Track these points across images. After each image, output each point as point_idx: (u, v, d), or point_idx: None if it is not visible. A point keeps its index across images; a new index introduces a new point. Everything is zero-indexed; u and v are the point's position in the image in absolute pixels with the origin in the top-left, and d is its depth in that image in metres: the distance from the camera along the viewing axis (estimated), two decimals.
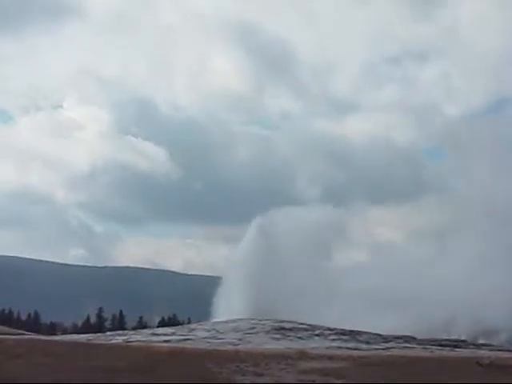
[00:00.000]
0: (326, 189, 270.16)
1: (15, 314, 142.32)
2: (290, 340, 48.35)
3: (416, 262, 78.19)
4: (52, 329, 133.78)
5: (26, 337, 51.32)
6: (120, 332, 63.33)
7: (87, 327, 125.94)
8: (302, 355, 35.08)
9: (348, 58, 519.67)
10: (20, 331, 65.59)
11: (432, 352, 44.69)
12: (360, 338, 50.53)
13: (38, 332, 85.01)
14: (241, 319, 57.42)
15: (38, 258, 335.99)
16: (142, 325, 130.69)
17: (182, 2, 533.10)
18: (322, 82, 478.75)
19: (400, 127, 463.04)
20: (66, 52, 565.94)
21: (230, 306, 68.22)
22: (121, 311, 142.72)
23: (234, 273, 73.45)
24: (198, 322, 68.01)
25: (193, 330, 55.25)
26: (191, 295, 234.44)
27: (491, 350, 48.26)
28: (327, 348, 44.29)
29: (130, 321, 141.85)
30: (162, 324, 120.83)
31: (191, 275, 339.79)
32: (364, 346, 46.88)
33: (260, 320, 55.85)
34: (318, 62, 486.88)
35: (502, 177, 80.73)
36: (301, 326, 54.03)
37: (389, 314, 66.79)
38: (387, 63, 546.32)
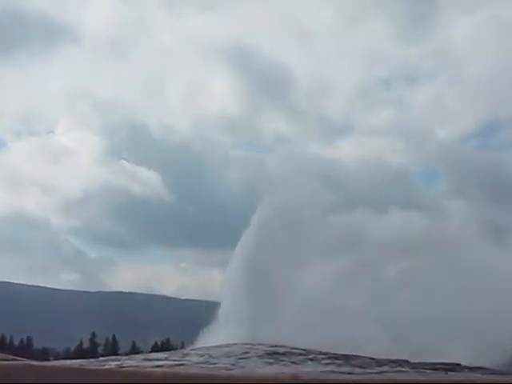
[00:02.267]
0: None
1: (8, 340, 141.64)
2: (284, 364, 48.17)
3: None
4: (45, 354, 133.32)
5: (19, 362, 51.14)
6: (113, 357, 62.95)
7: (80, 352, 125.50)
8: (296, 380, 35.03)
9: (342, 81, 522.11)
10: (13, 357, 65.36)
11: (426, 376, 44.61)
12: (353, 362, 50.33)
13: (30, 357, 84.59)
14: (234, 344, 57.24)
15: (30, 283, 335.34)
16: (134, 350, 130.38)
17: (176, 24, 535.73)
18: (316, 104, 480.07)
19: (394, 150, 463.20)
20: (59, 76, 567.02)
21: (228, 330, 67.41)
22: (114, 336, 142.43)
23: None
24: (192, 347, 67.56)
25: (186, 354, 55.03)
26: (184, 320, 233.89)
27: (484, 374, 48.18)
28: (321, 372, 44.19)
29: (123, 346, 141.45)
30: (155, 349, 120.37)
31: (184, 300, 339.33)
32: (358, 370, 46.71)
33: (253, 344, 55.66)
34: (312, 84, 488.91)
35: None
36: (294, 350, 53.88)
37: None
38: (381, 86, 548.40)
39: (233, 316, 69.13)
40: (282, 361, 49.72)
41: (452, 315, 66.14)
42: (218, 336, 66.06)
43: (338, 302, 69.83)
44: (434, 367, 50.08)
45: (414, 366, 50.53)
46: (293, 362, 49.44)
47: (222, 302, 72.54)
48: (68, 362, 59.26)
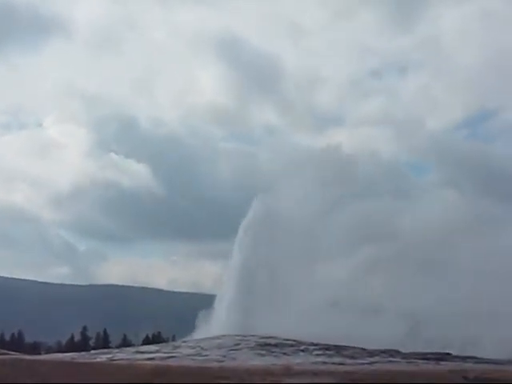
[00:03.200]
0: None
1: None
2: (275, 356, 48.22)
3: None
4: (36, 348, 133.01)
5: (10, 357, 51.10)
6: (104, 350, 63.04)
7: (71, 346, 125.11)
8: (287, 371, 35.03)
9: (332, 72, 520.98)
10: (4, 351, 65.28)
11: (417, 365, 44.70)
12: (345, 353, 50.42)
13: (21, 351, 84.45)
14: (225, 335, 57.24)
15: (21, 277, 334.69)
16: (126, 343, 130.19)
17: (166, 17, 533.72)
18: (306, 96, 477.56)
19: (384, 140, 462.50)
20: (49, 70, 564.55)
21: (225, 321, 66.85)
22: (105, 329, 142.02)
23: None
24: (184, 339, 67.27)
25: (177, 347, 55.07)
26: (176, 313, 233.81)
27: (477, 363, 48.26)
28: (312, 363, 44.22)
29: (115, 339, 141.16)
30: (147, 342, 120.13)
31: (176, 292, 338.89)
32: (349, 360, 46.81)
33: (245, 336, 55.69)
34: (302, 76, 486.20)
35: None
36: (285, 341, 53.89)
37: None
38: (371, 76, 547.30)
39: (232, 309, 68.73)
40: (274, 352, 49.75)
41: (469, 307, 65.33)
42: (214, 328, 65.85)
43: (348, 295, 69.55)
44: (425, 357, 50.21)
45: (405, 356, 50.64)
46: (284, 354, 49.48)
47: (220, 296, 72.17)
48: (60, 356, 59.28)
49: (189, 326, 73.31)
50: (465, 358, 51.69)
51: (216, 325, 67.37)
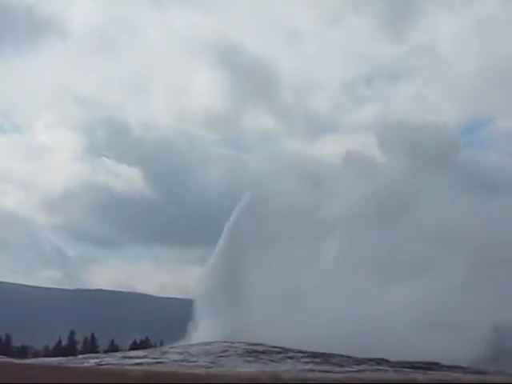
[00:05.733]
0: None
1: None
2: (263, 363, 48.13)
3: None
4: (23, 352, 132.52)
5: None
6: (92, 355, 62.74)
7: (59, 350, 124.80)
8: (275, 378, 35.00)
9: (327, 78, 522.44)
10: None
11: (405, 374, 44.69)
12: (332, 361, 50.36)
13: (9, 355, 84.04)
14: (213, 342, 57.12)
15: (10, 280, 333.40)
16: (113, 347, 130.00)
17: (162, 21, 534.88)
18: (301, 102, 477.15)
19: (378, 147, 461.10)
20: (42, 72, 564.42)
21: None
22: (92, 334, 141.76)
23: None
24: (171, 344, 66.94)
25: (165, 352, 54.90)
26: (164, 318, 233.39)
27: (465, 373, 48.37)
28: (300, 371, 44.19)
29: (102, 343, 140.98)
30: (134, 347, 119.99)
31: (164, 298, 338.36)
32: (337, 368, 46.76)
33: (232, 343, 55.58)
34: (297, 81, 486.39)
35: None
36: (273, 348, 53.82)
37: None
38: (365, 83, 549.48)
39: (210, 313, 68.22)
40: (262, 359, 49.67)
41: None
42: (197, 334, 65.65)
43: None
44: (413, 366, 50.23)
45: (393, 364, 50.63)
46: (272, 361, 49.40)
47: (198, 300, 71.52)
48: (47, 360, 59.02)
49: (177, 331, 73.07)
50: (452, 368, 51.77)
51: (199, 330, 66.96)
